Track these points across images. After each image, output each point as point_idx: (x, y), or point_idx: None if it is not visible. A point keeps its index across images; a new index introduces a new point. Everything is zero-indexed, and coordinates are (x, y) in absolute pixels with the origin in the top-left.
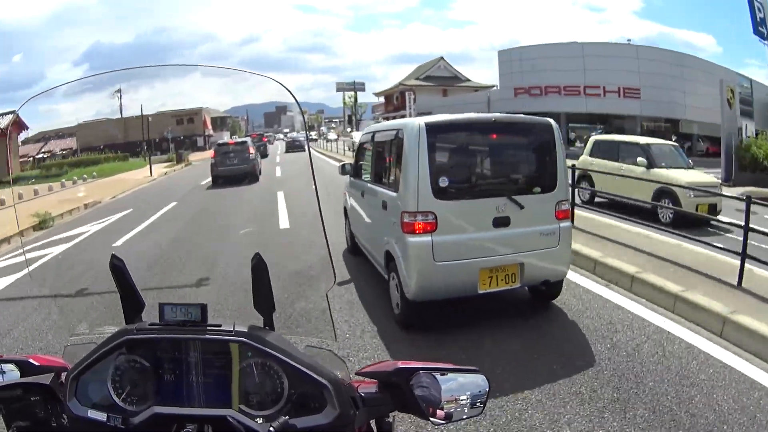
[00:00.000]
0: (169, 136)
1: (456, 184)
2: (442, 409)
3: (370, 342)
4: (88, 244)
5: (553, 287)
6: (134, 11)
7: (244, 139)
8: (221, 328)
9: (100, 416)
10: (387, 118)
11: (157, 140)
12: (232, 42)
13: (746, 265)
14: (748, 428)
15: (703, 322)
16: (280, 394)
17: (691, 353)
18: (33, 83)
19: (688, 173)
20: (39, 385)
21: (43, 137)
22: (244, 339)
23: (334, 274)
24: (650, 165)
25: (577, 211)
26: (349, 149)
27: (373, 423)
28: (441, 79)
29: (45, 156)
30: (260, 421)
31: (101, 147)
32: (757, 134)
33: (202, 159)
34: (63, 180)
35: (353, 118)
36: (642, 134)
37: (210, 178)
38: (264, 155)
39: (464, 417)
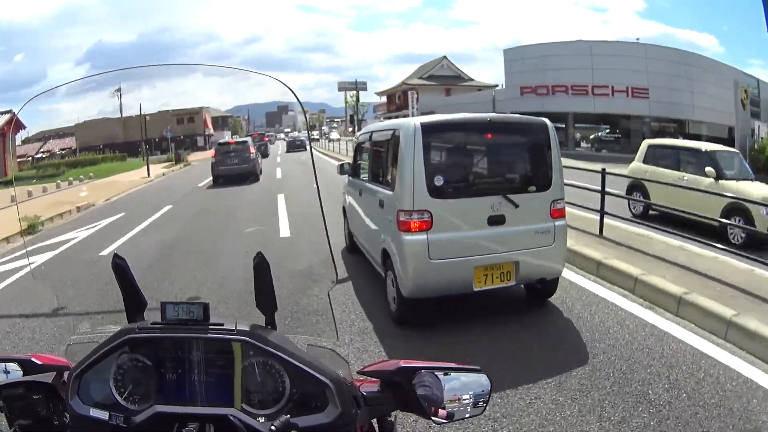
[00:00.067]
0: (168, 136)
1: (451, 182)
2: (444, 408)
3: (366, 338)
4: (74, 252)
5: (548, 285)
6: (137, 10)
7: (244, 139)
8: (223, 327)
9: (102, 415)
10: (389, 118)
11: (157, 140)
12: (234, 42)
13: None
14: None
15: None
16: (281, 393)
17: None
18: (35, 82)
19: (755, 186)
20: (41, 383)
21: (44, 137)
22: (246, 338)
23: (336, 273)
24: (719, 176)
25: (626, 226)
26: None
27: (375, 422)
28: (444, 79)
29: (44, 156)
30: (262, 420)
31: (101, 146)
32: None
33: (201, 159)
34: (58, 181)
35: (355, 117)
36: (651, 135)
37: (208, 180)
38: (265, 155)
39: (466, 416)
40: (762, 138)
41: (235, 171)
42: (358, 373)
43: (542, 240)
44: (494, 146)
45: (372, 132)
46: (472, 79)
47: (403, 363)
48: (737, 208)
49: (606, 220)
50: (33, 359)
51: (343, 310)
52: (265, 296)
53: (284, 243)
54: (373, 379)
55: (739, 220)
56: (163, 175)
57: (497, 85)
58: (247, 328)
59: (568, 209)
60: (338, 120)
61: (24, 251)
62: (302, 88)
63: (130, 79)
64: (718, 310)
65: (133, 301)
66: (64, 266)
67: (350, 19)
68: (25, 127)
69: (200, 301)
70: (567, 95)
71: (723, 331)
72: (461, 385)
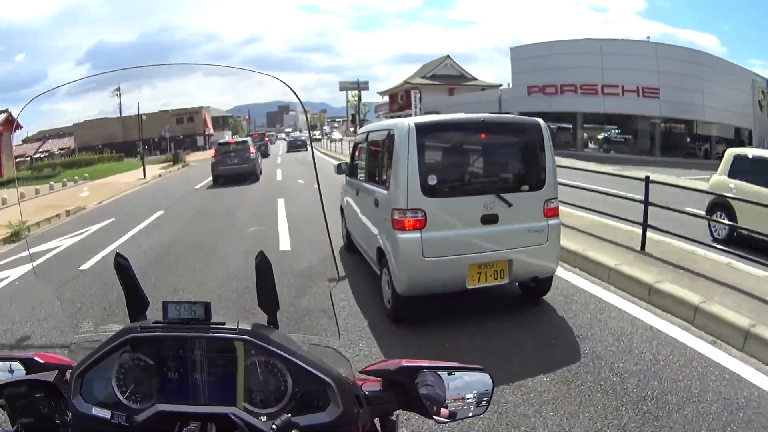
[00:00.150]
0: (167, 136)
1: (445, 182)
2: (446, 407)
3: (361, 336)
4: (52, 265)
5: (542, 284)
6: (137, 10)
7: (244, 139)
8: (225, 326)
9: (104, 414)
10: (392, 118)
11: (156, 140)
12: (235, 42)
13: None
14: None
15: None
16: (283, 392)
17: None
18: (35, 82)
19: None
20: (43, 382)
21: (43, 137)
22: (248, 337)
23: (338, 273)
24: None
25: (665, 239)
26: None
27: (377, 421)
28: (447, 78)
29: (43, 156)
30: (264, 419)
31: (99, 146)
32: None
33: (201, 159)
34: (51, 182)
35: (357, 117)
36: (660, 136)
37: (205, 182)
38: (265, 155)
39: (469, 415)
40: None
41: (235, 171)
42: (360, 372)
43: (536, 239)
44: (488, 146)
45: (368, 132)
46: (475, 79)
47: (405, 362)
48: None
49: (631, 228)
50: (36, 358)
51: (340, 308)
52: (267, 295)
53: (284, 258)
54: (375, 378)
55: None
56: (160, 176)
57: (501, 85)
58: (248, 327)
59: (600, 219)
60: (339, 120)
61: (28, 253)
62: (302, 88)
63: (130, 79)
64: None
65: (135, 301)
66: (40, 283)
67: (350, 19)
68: (21, 127)
69: (202, 301)
70: (576, 95)
71: None
72: (465, 384)
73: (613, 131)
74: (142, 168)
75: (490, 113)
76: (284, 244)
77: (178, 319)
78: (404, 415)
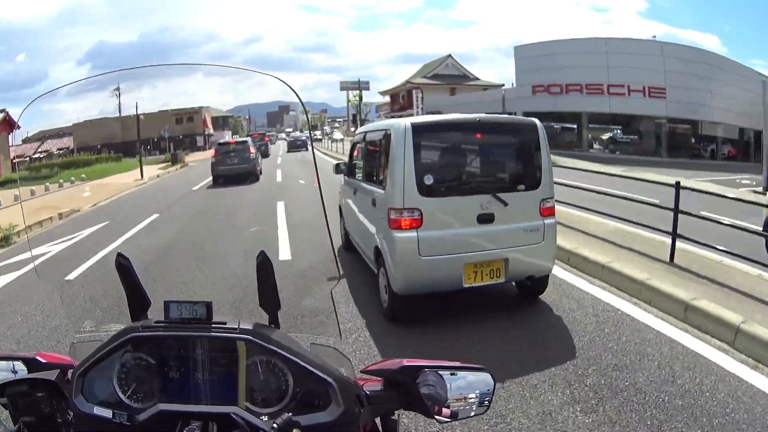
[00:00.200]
0: (166, 136)
1: (441, 181)
2: (448, 407)
3: (358, 335)
4: (34, 275)
5: (538, 283)
6: (138, 10)
7: (244, 139)
8: (226, 326)
9: (106, 413)
10: (393, 118)
11: (156, 140)
12: (235, 42)
13: None
14: None
15: None
16: (284, 391)
17: None
18: (36, 82)
19: None
20: (44, 381)
21: (42, 137)
22: (249, 337)
23: (339, 272)
24: None
25: (691, 248)
26: None
27: (378, 421)
28: (449, 78)
29: (41, 156)
30: (265, 418)
31: (98, 146)
32: None
33: (200, 159)
34: (47, 183)
35: (358, 117)
36: (666, 136)
37: (203, 183)
38: (265, 155)
39: (471, 415)
40: None
41: (235, 171)
42: (362, 371)
43: (532, 238)
44: (484, 146)
45: (366, 132)
46: (477, 78)
47: (406, 362)
48: None
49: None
50: (38, 358)
51: (338, 307)
52: (268, 295)
53: (284, 268)
54: (376, 378)
55: None
56: (158, 177)
57: (503, 85)
58: (250, 327)
59: (620, 225)
60: (340, 120)
61: (30, 254)
62: (303, 88)
63: (131, 79)
64: None
65: (137, 300)
66: (22, 295)
67: (351, 18)
68: (19, 127)
69: (203, 300)
70: (581, 94)
71: None
72: (467, 384)
73: (617, 131)
74: (139, 169)
75: (494, 113)
76: (284, 252)
77: (180, 319)
78: (405, 415)
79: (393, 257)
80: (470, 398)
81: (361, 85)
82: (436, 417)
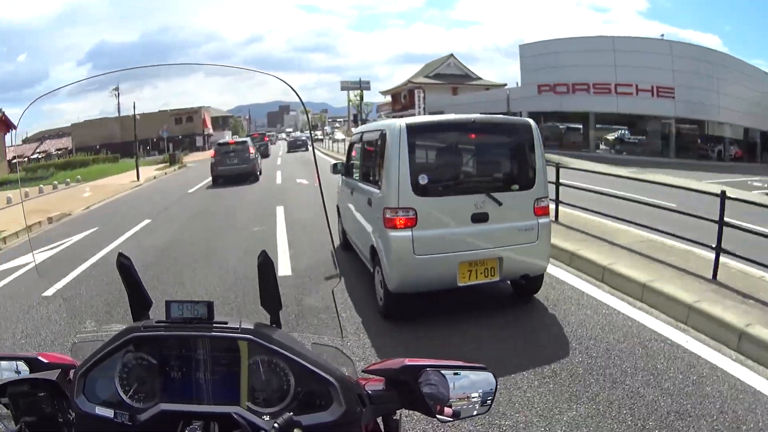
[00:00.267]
0: (164, 136)
1: (435, 181)
2: (450, 406)
3: (354, 333)
4: (11, 290)
5: (533, 281)
6: (138, 10)
7: (244, 139)
8: (227, 326)
9: (108, 413)
10: (394, 118)
11: (154, 140)
12: (235, 42)
13: None
14: None
15: None
16: (286, 391)
17: None
18: (37, 82)
19: None
20: (46, 381)
21: (42, 137)
22: (250, 336)
23: (339, 272)
24: None
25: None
26: None
27: (380, 420)
28: (451, 77)
29: (40, 156)
30: (267, 418)
31: (97, 147)
32: None
33: (199, 160)
34: (41, 185)
35: (359, 117)
36: (675, 136)
37: (199, 185)
38: (265, 155)
39: (473, 414)
40: None
41: (235, 171)
42: (363, 371)
43: (526, 237)
44: (478, 146)
45: (363, 132)
46: (480, 78)
47: (408, 361)
48: None
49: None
50: (39, 358)
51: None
52: (269, 295)
53: (284, 285)
54: (378, 377)
55: None
56: (155, 178)
57: (506, 84)
58: (251, 327)
59: (649, 235)
60: (340, 120)
61: (32, 255)
62: (303, 88)
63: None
64: None
65: (138, 300)
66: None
67: (351, 18)
68: (15, 127)
69: (204, 300)
70: (588, 94)
71: None
72: (470, 383)
73: (624, 132)
74: (138, 169)
75: (499, 113)
76: (284, 267)
77: (181, 319)
78: (407, 415)
79: (388, 256)
80: (473, 397)
81: (362, 85)
82: (438, 416)
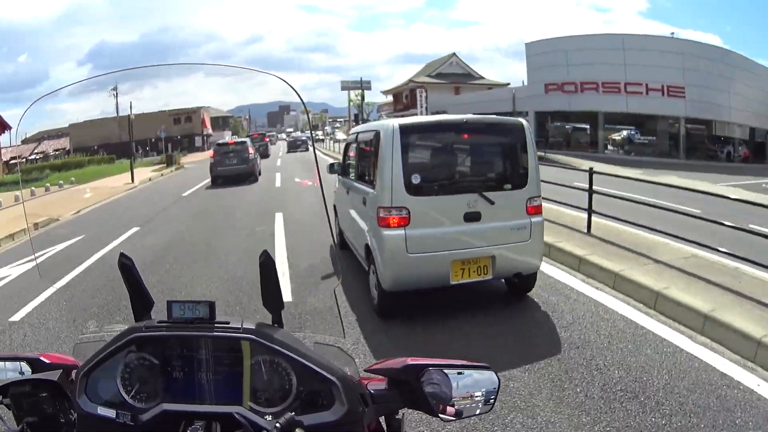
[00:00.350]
0: (162, 136)
1: (428, 181)
2: (452, 405)
3: (350, 331)
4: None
5: (526, 280)
6: (138, 10)
7: (243, 140)
8: (229, 326)
9: (110, 413)
10: (395, 118)
11: (153, 140)
12: (236, 42)
13: None
14: None
15: None
16: (288, 390)
17: None
18: (37, 82)
19: None
20: (48, 381)
21: (41, 137)
22: (252, 336)
23: (340, 272)
24: None
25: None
26: None
27: (382, 420)
28: (453, 77)
29: (37, 157)
30: (269, 418)
31: (95, 147)
32: None
33: (198, 160)
34: (33, 188)
35: (360, 117)
36: (686, 136)
37: (195, 188)
38: (265, 156)
39: (476, 413)
40: None
41: (234, 171)
42: (366, 370)
43: (519, 236)
44: (471, 146)
45: (358, 133)
46: (482, 77)
47: (410, 361)
48: None
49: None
50: (41, 358)
51: (332, 304)
52: (271, 294)
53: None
54: (380, 377)
55: None
56: (150, 180)
57: (509, 84)
58: (253, 326)
59: (696, 250)
60: (341, 120)
61: (34, 257)
62: (303, 88)
63: (132, 80)
64: None
65: (140, 300)
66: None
67: (351, 18)
68: (10, 128)
69: (206, 300)
70: (597, 93)
71: None
72: (473, 382)
73: (632, 132)
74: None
75: (504, 113)
76: (284, 293)
77: (183, 319)
78: (410, 414)
79: (382, 254)
80: (476, 397)
81: (363, 85)
82: (441, 416)
